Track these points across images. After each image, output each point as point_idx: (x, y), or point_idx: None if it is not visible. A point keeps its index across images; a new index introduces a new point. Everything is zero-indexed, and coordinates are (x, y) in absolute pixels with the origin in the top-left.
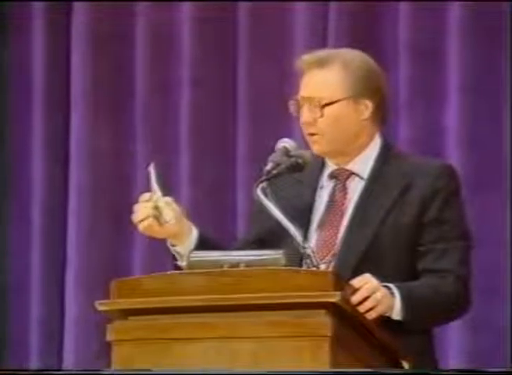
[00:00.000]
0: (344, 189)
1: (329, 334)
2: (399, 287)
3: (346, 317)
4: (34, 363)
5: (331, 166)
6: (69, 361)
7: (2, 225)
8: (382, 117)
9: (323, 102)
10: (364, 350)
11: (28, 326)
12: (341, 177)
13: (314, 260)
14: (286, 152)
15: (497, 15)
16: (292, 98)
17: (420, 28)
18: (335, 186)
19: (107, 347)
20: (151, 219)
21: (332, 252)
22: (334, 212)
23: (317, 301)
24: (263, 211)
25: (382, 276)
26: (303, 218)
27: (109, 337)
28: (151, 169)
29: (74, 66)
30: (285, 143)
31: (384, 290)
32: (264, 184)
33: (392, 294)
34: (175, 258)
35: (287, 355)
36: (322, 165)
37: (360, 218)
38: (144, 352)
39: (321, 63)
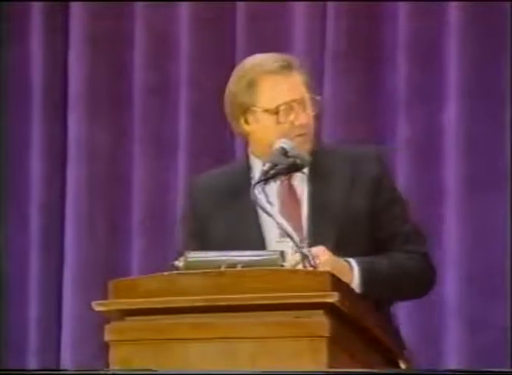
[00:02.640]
0: (291, 187)
1: (327, 335)
2: (359, 262)
3: (343, 317)
4: (32, 363)
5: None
6: (66, 361)
7: (0, 225)
8: None
9: (315, 101)
10: (362, 350)
11: (26, 326)
12: (284, 176)
13: (311, 260)
14: (284, 153)
15: (496, 15)
16: (264, 108)
17: (418, 28)
18: (280, 186)
19: (105, 347)
20: None
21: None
22: (288, 212)
23: (315, 302)
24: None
25: None
26: (252, 226)
27: (107, 337)
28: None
29: (72, 66)
30: (283, 143)
31: (342, 264)
32: (261, 185)
33: (350, 268)
34: None
35: (285, 356)
36: (248, 168)
37: (319, 219)
38: (141, 353)
39: (286, 67)
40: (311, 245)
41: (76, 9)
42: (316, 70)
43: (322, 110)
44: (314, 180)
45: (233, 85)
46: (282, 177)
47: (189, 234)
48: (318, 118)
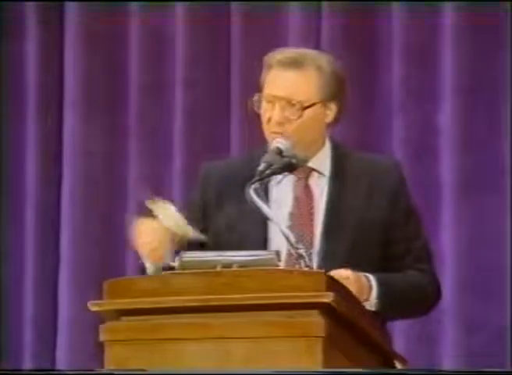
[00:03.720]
0: (307, 186)
1: (323, 335)
2: (378, 279)
3: (339, 317)
4: (28, 363)
5: None
6: (62, 361)
7: None
8: (339, 119)
9: (305, 105)
10: (358, 350)
11: (21, 326)
12: (301, 174)
13: (307, 260)
14: (279, 152)
15: (491, 15)
16: (257, 94)
17: (414, 28)
18: (296, 183)
19: (101, 347)
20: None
21: (311, 251)
22: (301, 210)
23: (310, 302)
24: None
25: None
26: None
27: (102, 337)
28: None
29: (67, 66)
30: (278, 143)
31: (363, 281)
32: (256, 185)
33: (370, 287)
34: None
35: (281, 356)
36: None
37: (334, 226)
38: (137, 353)
39: (295, 64)
40: (322, 250)
41: (71, 9)
42: None
43: (335, 118)
44: (335, 183)
45: None
46: (299, 175)
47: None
48: (331, 125)
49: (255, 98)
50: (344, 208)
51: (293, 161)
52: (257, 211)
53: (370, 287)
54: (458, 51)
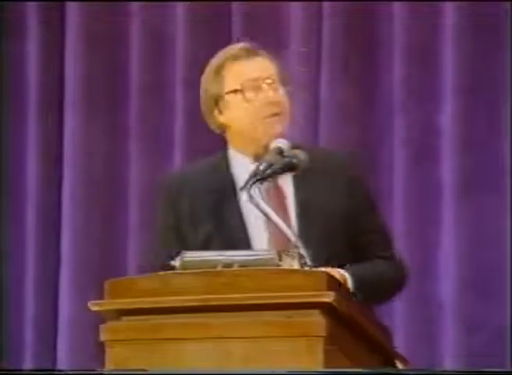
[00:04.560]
0: (277, 186)
1: (324, 334)
2: (354, 278)
3: (340, 317)
4: (28, 363)
5: (248, 164)
6: (62, 361)
7: None
8: None
9: (286, 92)
10: (359, 349)
11: (22, 326)
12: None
13: (307, 260)
14: (280, 152)
15: (492, 15)
16: (238, 86)
17: (415, 28)
18: (267, 184)
19: (101, 347)
20: None
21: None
22: (278, 208)
23: (311, 301)
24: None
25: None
26: (236, 225)
27: (102, 337)
28: None
29: (68, 65)
30: (279, 143)
31: (340, 277)
32: (258, 184)
33: (345, 281)
34: None
35: (281, 355)
36: (227, 164)
37: (307, 219)
38: (137, 352)
39: (251, 52)
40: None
41: (72, 9)
42: (312, 70)
43: (294, 103)
44: (297, 179)
45: (204, 77)
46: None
47: (167, 233)
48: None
49: (229, 94)
50: (311, 203)
51: (294, 161)
52: (237, 219)
53: (345, 281)
54: (459, 51)
